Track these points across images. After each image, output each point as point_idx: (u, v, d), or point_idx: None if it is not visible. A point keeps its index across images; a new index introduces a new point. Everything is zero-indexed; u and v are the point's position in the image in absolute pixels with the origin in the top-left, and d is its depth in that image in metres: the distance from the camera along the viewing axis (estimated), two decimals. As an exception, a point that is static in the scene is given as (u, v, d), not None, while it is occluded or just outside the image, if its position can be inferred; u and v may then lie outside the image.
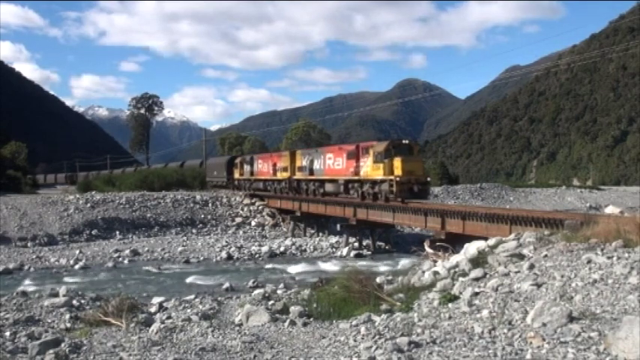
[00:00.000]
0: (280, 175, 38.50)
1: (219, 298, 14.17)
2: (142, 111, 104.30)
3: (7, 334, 9.22)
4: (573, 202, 53.86)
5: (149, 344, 7.34)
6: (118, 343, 7.67)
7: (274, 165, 39.33)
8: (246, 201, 41.56)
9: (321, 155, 33.39)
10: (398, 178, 25.05)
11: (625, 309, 5.87)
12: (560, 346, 5.08)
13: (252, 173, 44.01)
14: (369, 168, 27.39)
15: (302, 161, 35.57)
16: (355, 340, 6.67)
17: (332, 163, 31.83)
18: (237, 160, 48.57)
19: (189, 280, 22.42)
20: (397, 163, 25.37)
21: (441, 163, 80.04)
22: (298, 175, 36.09)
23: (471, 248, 11.04)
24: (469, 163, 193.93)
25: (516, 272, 8.12)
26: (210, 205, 40.69)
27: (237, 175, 47.46)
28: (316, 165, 33.74)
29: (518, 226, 18.03)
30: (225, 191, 46.49)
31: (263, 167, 42.12)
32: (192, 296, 14.97)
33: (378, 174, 26.49)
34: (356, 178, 28.85)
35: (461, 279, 8.83)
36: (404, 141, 27.89)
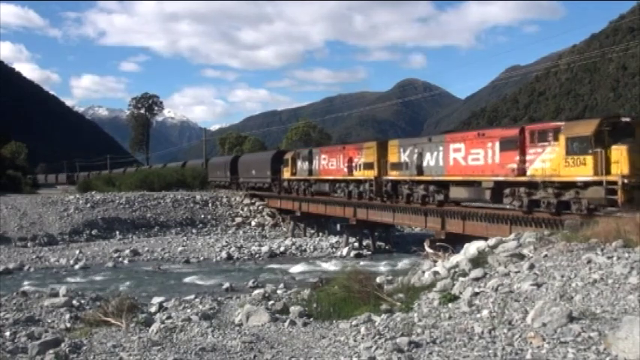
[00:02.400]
0: (361, 174, 28.10)
1: (219, 298, 14.16)
2: (142, 111, 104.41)
3: (7, 334, 9.23)
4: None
5: (149, 344, 7.34)
6: (118, 343, 7.67)
7: (349, 161, 29.00)
8: (246, 201, 41.55)
9: (438, 145, 22.55)
10: (625, 180, 15.16)
11: (625, 309, 5.87)
12: (560, 346, 5.08)
13: (311, 172, 33.81)
14: (555, 162, 17.19)
15: (400, 154, 24.94)
16: (355, 340, 6.67)
17: (463, 156, 21.35)
18: (288, 156, 37.54)
19: (189, 280, 22.42)
20: (620, 153, 15.55)
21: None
22: (393, 174, 25.39)
23: (471, 248, 11.05)
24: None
25: (516, 272, 8.13)
26: (210, 205, 40.68)
27: (287, 175, 37.22)
28: (429, 159, 23.03)
29: (518, 226, 18.05)
30: (225, 191, 46.29)
31: (330, 164, 31.64)
32: (192, 296, 14.96)
33: (580, 172, 16.37)
34: (522, 179, 18.48)
35: (461, 279, 8.83)
36: (623, 118, 17.05)
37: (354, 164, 28.85)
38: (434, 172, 22.85)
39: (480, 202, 21.28)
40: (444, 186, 22.45)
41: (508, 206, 19.62)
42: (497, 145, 19.62)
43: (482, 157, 20.30)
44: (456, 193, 21.79)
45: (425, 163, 23.32)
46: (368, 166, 27.50)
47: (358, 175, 28.45)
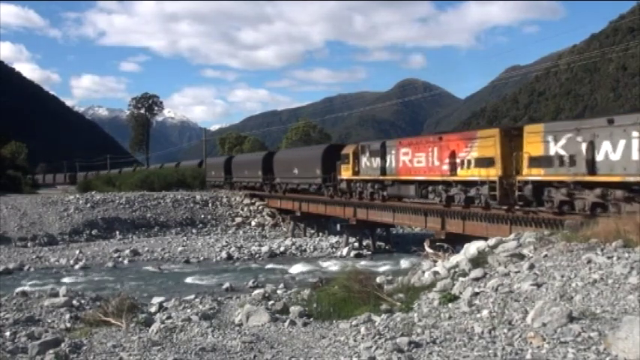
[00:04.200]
0: (471, 174, 20.65)
1: (219, 298, 14.15)
2: (142, 111, 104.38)
3: (7, 334, 9.22)
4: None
5: (149, 344, 7.34)
6: (118, 343, 7.67)
7: (451, 155, 21.61)
8: (246, 201, 41.55)
9: (628, 130, 14.80)
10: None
11: (625, 309, 5.87)
12: (560, 346, 5.08)
13: (384, 171, 26.55)
14: None
15: (547, 145, 17.43)
16: (355, 340, 6.68)
17: None
18: (348, 151, 30.11)
19: (189, 280, 22.43)
20: None
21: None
22: (535, 174, 17.65)
23: (471, 248, 11.04)
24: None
25: (516, 272, 8.13)
26: (210, 205, 40.68)
27: (346, 175, 30.09)
28: (609, 151, 15.44)
29: (518, 226, 18.05)
30: (225, 191, 46.26)
31: (416, 160, 24.16)
32: (192, 296, 14.95)
33: None
34: None
35: (461, 279, 8.83)
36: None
37: (458, 160, 21.36)
38: (620, 170, 15.05)
39: None
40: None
41: None
42: None
43: None
44: None
45: (601, 157, 15.75)
46: (485, 162, 19.89)
47: (466, 174, 20.88)
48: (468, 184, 20.98)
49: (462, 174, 21.21)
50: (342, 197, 31.00)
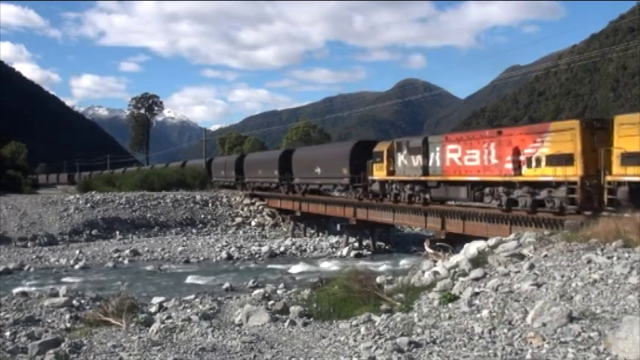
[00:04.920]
0: (541, 173, 17.60)
1: (219, 298, 14.15)
2: (142, 111, 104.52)
3: (7, 334, 9.23)
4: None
5: (149, 344, 7.34)
6: (118, 343, 7.67)
7: (515, 152, 18.60)
8: (246, 201, 41.54)
9: None
10: None
11: (625, 309, 5.88)
12: (560, 346, 5.08)
13: (426, 170, 23.19)
14: None
15: None
16: (355, 340, 6.68)
17: None
18: (382, 148, 26.53)
19: (189, 280, 22.43)
20: None
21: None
22: (634, 173, 14.66)
23: (471, 248, 11.05)
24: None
25: (516, 272, 8.13)
26: (210, 205, 40.69)
27: (379, 174, 26.63)
28: None
29: (518, 226, 18.04)
30: (225, 191, 46.23)
31: (467, 158, 21.13)
32: (192, 296, 14.95)
33: None
34: None
35: (461, 279, 8.83)
36: None
37: (523, 158, 18.38)
38: None
39: None
40: None
41: None
42: None
43: None
44: None
45: None
46: (560, 159, 16.99)
47: (535, 174, 17.80)
48: (536, 186, 17.87)
49: (530, 174, 18.00)
50: (372, 200, 28.05)
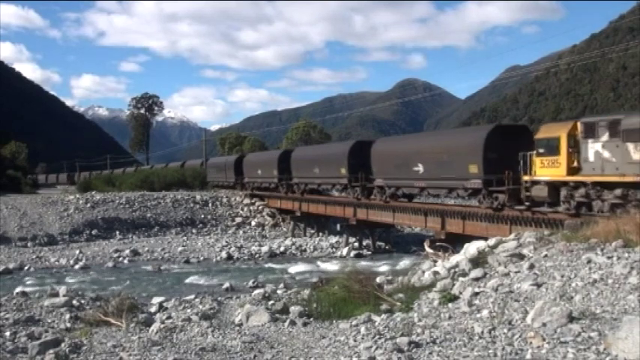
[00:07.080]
0: None
1: (219, 298, 14.16)
2: (142, 111, 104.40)
3: (7, 334, 9.23)
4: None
5: (149, 344, 7.34)
6: (118, 343, 7.68)
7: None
8: (246, 201, 41.54)
9: None
10: None
11: (625, 309, 5.88)
12: (560, 346, 5.08)
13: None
14: None
15: None
16: (355, 340, 6.68)
17: None
18: (558, 133, 17.25)
19: (189, 280, 22.41)
20: None
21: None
22: None
23: (471, 248, 11.06)
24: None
25: (516, 272, 8.13)
26: (210, 205, 40.68)
27: (551, 173, 16.84)
28: None
29: (518, 226, 18.04)
30: (225, 191, 46.20)
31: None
32: (192, 296, 14.95)
33: None
34: None
35: (461, 279, 8.83)
36: None
37: None
38: None
39: None
40: None
41: None
42: None
43: None
44: None
45: None
46: None
47: None
48: None
49: None
50: (527, 210, 18.18)
